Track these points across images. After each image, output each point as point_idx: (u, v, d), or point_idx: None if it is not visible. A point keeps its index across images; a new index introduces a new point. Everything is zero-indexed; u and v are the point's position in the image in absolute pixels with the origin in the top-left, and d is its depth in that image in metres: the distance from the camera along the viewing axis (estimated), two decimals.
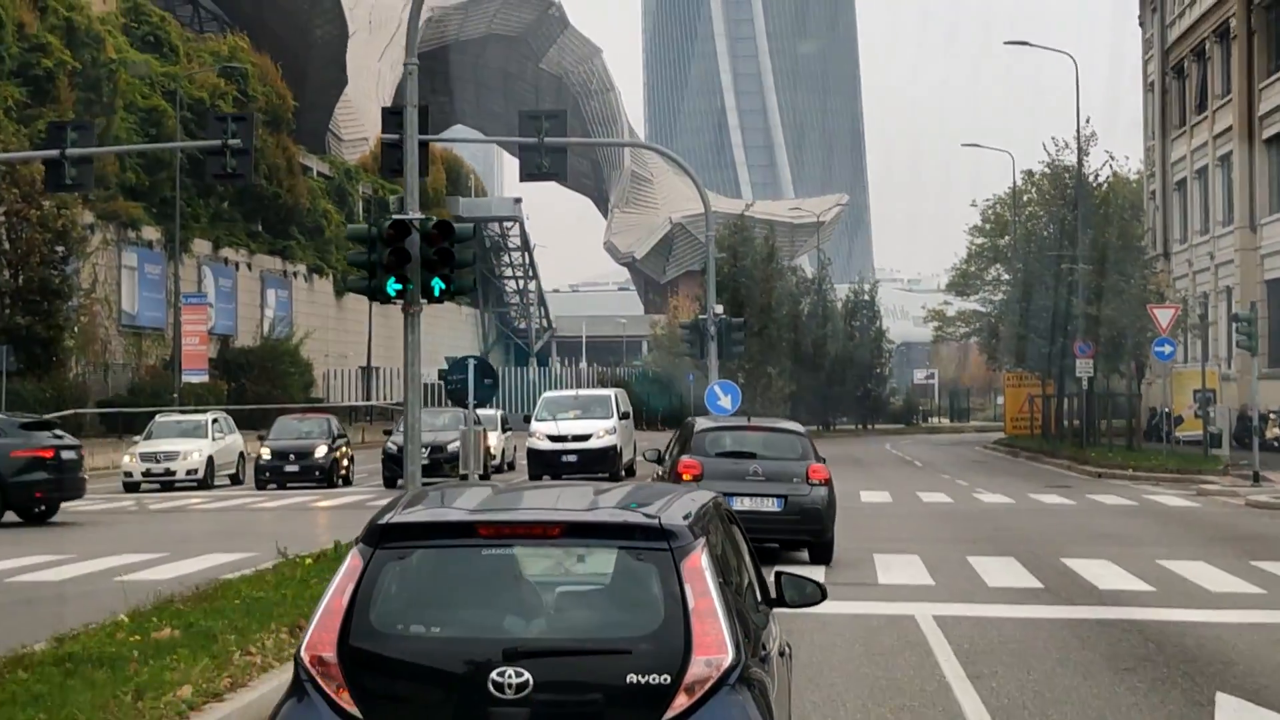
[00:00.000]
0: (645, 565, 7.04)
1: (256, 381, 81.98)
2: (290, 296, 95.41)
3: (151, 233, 75.85)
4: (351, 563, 7.13)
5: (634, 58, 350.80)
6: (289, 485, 41.98)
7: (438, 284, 20.46)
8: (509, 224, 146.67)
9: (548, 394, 48.74)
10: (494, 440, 46.61)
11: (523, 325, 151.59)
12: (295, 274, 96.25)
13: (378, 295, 20.62)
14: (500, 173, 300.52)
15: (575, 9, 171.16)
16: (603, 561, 7.25)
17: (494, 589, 7.20)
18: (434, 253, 20.29)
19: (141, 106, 74.55)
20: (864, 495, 37.25)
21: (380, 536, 7.17)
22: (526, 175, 36.75)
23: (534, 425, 43.01)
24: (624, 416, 43.53)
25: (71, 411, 57.20)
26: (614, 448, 41.38)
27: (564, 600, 7.28)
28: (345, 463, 44.04)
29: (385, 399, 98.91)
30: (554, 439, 41.49)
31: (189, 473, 43.27)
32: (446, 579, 7.23)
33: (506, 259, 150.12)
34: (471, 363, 26.55)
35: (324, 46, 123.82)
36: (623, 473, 42.05)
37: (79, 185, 37.04)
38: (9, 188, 58.72)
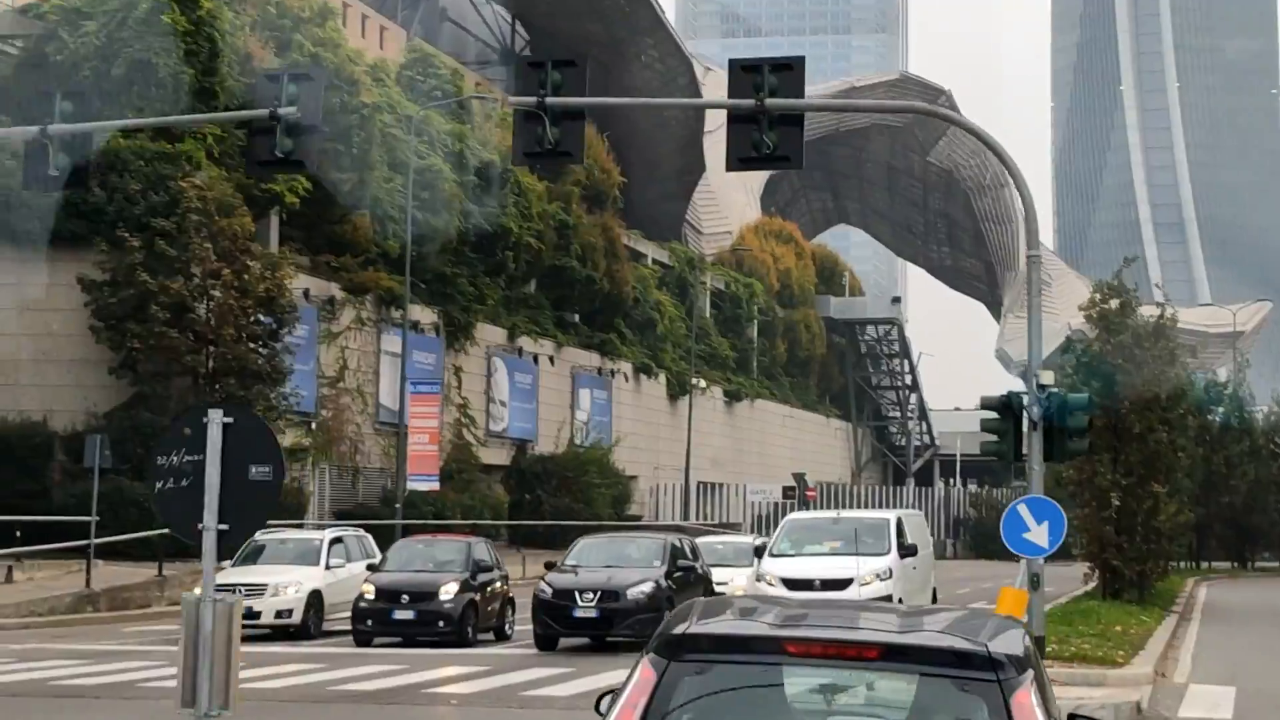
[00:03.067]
0: (970, 698, 6.49)
1: (556, 494, 69.70)
2: (610, 398, 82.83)
3: (421, 314, 64.14)
4: (643, 675, 6.67)
5: (1043, 173, 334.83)
6: (418, 640, 28.52)
7: None
8: (886, 327, 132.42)
9: (794, 516, 33.96)
10: (742, 580, 32.32)
11: (901, 442, 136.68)
12: (616, 372, 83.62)
13: None
14: (904, 283, 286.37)
15: (973, 107, 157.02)
16: (923, 690, 6.61)
17: (799, 713, 6.70)
18: None
19: (413, 167, 63.09)
20: None
21: (676, 648, 6.71)
22: (739, 160, 23.06)
23: (765, 563, 28.77)
24: (908, 552, 28.99)
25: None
26: (886, 600, 26.91)
27: None
28: (495, 608, 30.34)
29: (707, 518, 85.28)
30: (792, 584, 27.24)
31: (280, 614, 30.47)
32: (747, 699, 6.68)
33: (885, 367, 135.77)
34: (216, 422, 11.74)
35: (679, 127, 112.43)
36: None
37: (72, 180, 24.72)
38: (202, 242, 47.51)
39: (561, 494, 69.92)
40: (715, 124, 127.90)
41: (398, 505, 51.29)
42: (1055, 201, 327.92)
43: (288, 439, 54.07)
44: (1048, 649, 23.90)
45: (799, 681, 6.72)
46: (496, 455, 70.63)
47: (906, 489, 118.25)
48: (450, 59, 75.03)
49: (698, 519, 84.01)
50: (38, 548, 38.05)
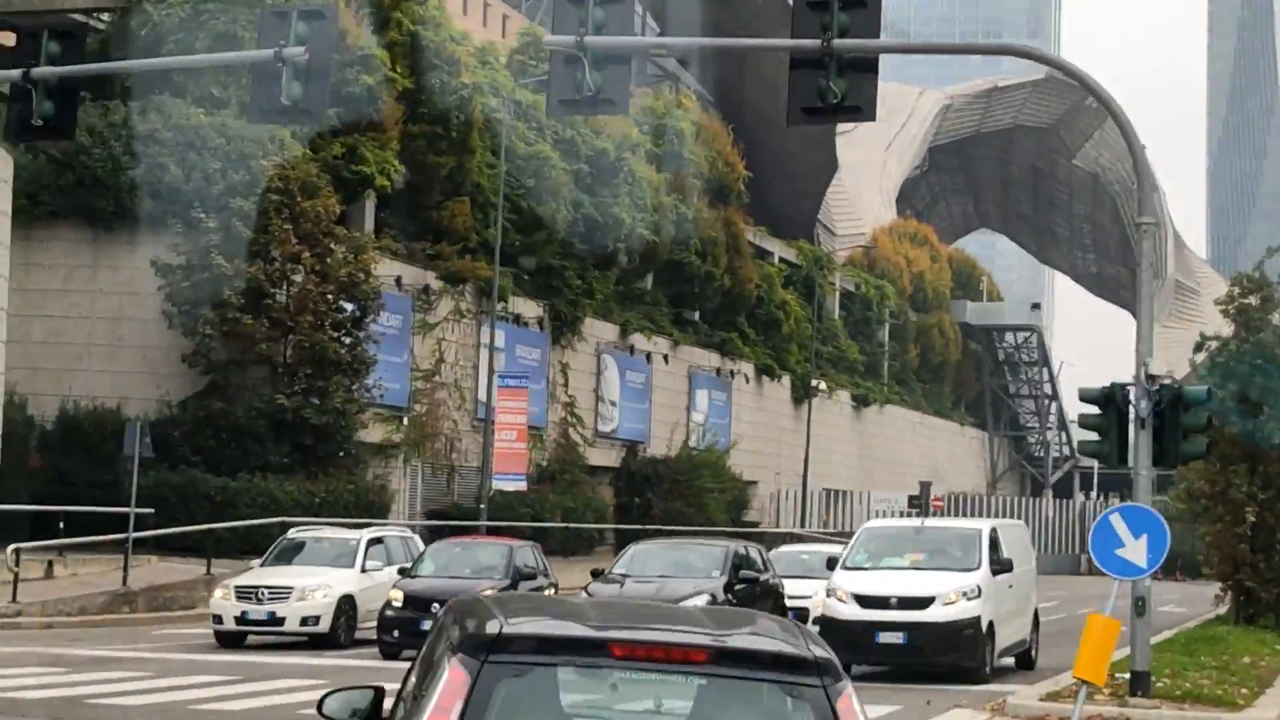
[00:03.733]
0: (796, 703, 6.32)
1: (666, 498, 66.70)
2: (729, 400, 79.70)
3: (526, 306, 61.45)
4: (454, 676, 6.19)
5: (1198, 182, 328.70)
6: None
7: None
8: (1025, 334, 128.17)
9: (872, 524, 30.30)
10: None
11: (1040, 453, 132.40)
12: (736, 373, 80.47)
13: None
14: (1050, 293, 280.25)
15: (1124, 99, 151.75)
16: (747, 694, 6.41)
17: (624, 717, 6.50)
18: None
19: (519, 153, 60.47)
20: None
21: (490, 648, 6.28)
22: (801, 112, 19.98)
23: (837, 576, 25.32)
24: (1002, 568, 25.46)
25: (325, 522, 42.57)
26: (973, 623, 23.67)
27: None
28: None
29: (827, 527, 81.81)
30: (866, 602, 23.93)
31: (305, 620, 27.62)
32: (570, 703, 6.39)
33: (1023, 375, 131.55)
34: None
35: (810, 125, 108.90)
36: (988, 667, 24.16)
37: (56, 130, 22.06)
38: (282, 224, 45.08)
39: (673, 498, 66.93)
40: (851, 124, 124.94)
41: (482, 505, 48.54)
42: (1209, 211, 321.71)
43: (375, 434, 51.70)
44: (1156, 684, 20.56)
45: (623, 684, 6.55)
46: (605, 457, 67.77)
47: (1044, 501, 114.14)
48: None
49: (819, 527, 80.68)
50: (81, 540, 35.55)
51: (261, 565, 29.59)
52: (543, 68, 66.81)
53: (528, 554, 27.82)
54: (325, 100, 21.81)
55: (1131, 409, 18.40)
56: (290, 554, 29.64)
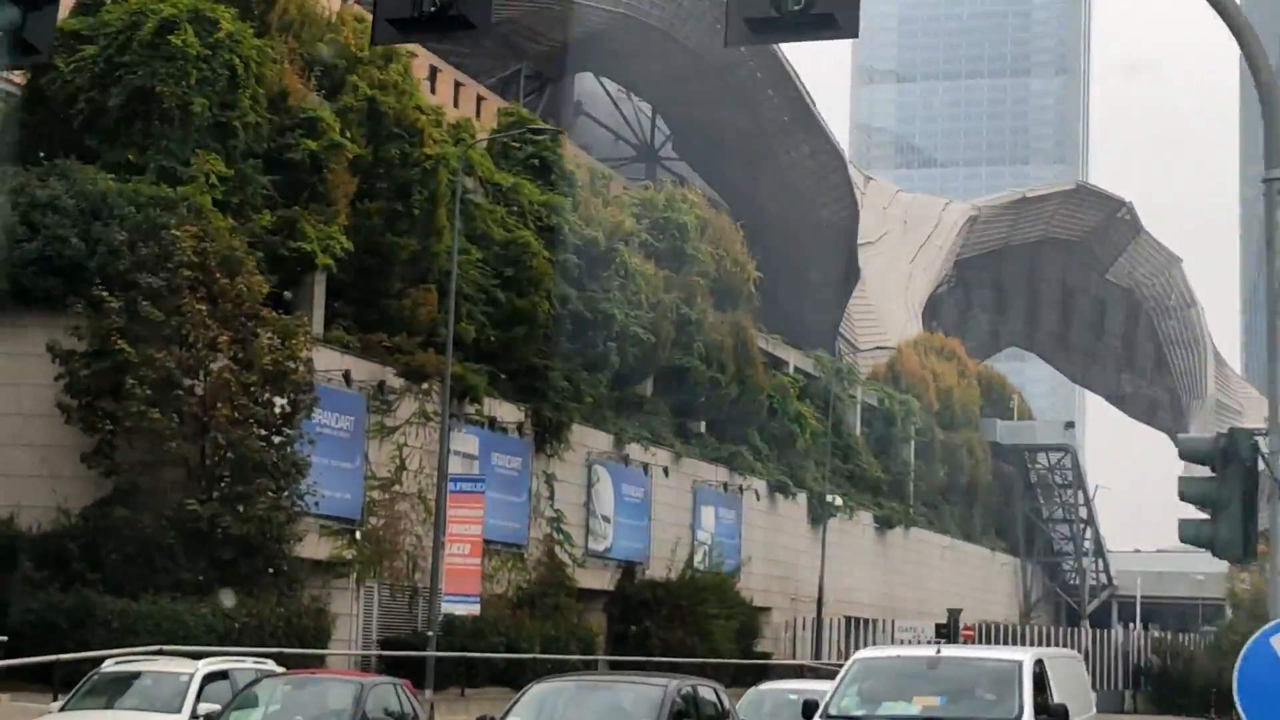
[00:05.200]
0: None
1: (665, 626, 59.72)
2: (739, 518, 72.78)
3: (505, 410, 54.80)
4: None
5: (1232, 296, 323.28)
6: None
7: None
8: (1058, 455, 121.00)
9: (867, 652, 22.62)
10: None
11: (1075, 580, 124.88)
12: (746, 489, 73.51)
13: None
14: (1083, 416, 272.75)
15: (1154, 218, 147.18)
16: None
17: None
18: None
19: (497, 239, 54.17)
20: None
21: None
22: (746, 25, 13.34)
23: None
24: (1053, 716, 18.30)
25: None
26: None
27: None
28: None
29: (845, 657, 74.44)
30: None
31: None
32: None
33: (1057, 498, 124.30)
34: None
35: (830, 231, 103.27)
36: None
37: None
38: (196, 304, 38.57)
39: (673, 626, 59.93)
40: (875, 234, 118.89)
41: (430, 633, 41.59)
42: (1244, 325, 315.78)
43: (321, 549, 45.02)
44: None
45: None
46: (597, 578, 60.78)
47: (1081, 632, 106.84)
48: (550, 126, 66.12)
49: (838, 659, 73.39)
50: None
51: (62, 709, 22.86)
52: (527, 150, 60.74)
53: (387, 694, 21.06)
54: (51, 36, 15.39)
55: (1267, 468, 11.67)
56: (106, 692, 22.90)
